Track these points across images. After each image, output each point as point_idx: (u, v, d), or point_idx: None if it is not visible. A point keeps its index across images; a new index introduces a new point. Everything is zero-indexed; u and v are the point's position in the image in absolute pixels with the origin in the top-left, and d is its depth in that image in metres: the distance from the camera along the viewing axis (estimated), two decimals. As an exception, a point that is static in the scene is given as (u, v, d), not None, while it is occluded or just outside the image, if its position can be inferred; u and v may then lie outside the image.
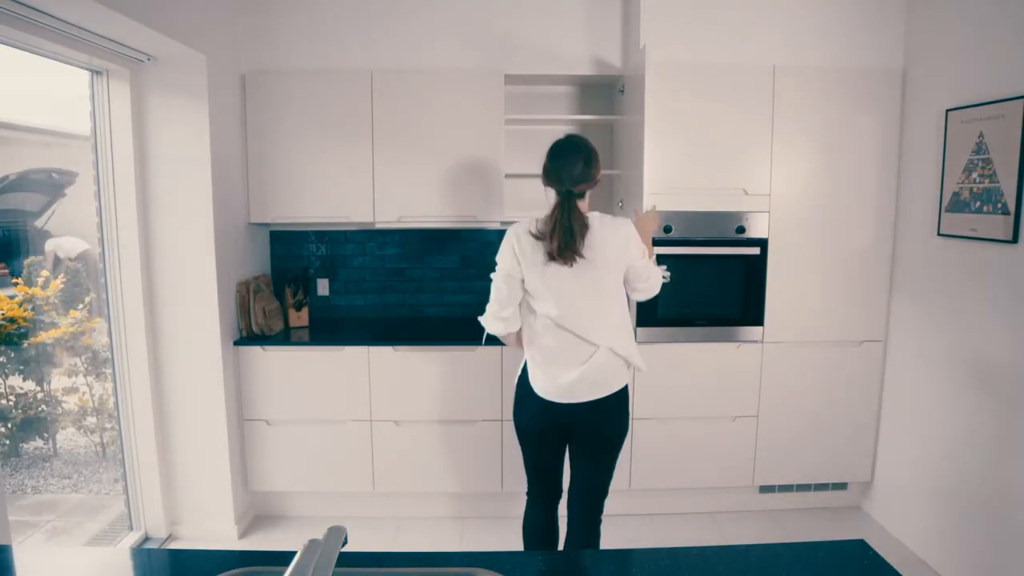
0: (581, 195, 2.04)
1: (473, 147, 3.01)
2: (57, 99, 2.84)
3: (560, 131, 3.35)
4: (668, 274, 2.82)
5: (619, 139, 3.19)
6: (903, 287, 2.97)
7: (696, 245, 2.96)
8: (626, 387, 2.10)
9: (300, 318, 3.23)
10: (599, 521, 2.20)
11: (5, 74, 2.48)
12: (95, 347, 3.01)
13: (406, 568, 1.18)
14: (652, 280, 2.16)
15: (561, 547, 2.29)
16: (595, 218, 2.05)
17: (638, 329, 3.00)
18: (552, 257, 1.99)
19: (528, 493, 2.29)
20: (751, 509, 3.22)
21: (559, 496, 2.29)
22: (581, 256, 1.97)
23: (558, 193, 2.04)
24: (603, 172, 3.17)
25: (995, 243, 2.39)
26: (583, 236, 1.98)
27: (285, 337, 3.03)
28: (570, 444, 2.17)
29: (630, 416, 2.20)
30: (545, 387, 2.07)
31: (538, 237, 2.03)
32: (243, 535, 3.02)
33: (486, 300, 3.65)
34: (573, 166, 2.02)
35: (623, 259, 2.05)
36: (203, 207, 2.74)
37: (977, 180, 2.47)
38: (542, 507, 2.26)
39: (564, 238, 1.96)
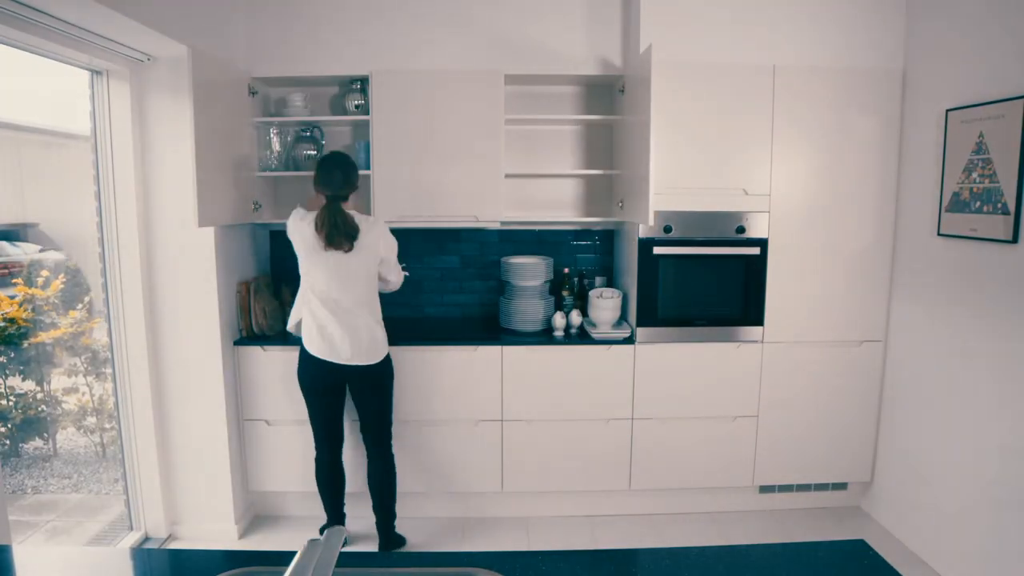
0: (344, 198, 2.58)
1: (473, 147, 3.01)
2: (57, 99, 2.84)
3: (560, 131, 3.38)
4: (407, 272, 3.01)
5: (619, 139, 3.19)
6: (903, 287, 2.97)
7: (696, 245, 2.96)
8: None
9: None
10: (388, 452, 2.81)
11: (5, 74, 2.48)
12: (95, 347, 3.01)
13: (406, 568, 1.18)
14: (397, 273, 2.78)
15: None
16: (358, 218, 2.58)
17: (638, 329, 3.00)
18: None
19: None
20: (751, 509, 3.22)
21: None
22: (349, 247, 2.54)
23: (327, 197, 2.55)
24: (603, 172, 3.19)
25: (995, 243, 2.39)
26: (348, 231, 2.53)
27: (285, 337, 3.03)
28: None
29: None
30: (322, 349, 2.59)
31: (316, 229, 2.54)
32: (243, 535, 3.02)
33: (486, 300, 3.66)
34: (333, 176, 2.54)
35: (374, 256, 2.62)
36: (203, 207, 2.73)
37: (977, 180, 2.47)
38: (328, 451, 2.78)
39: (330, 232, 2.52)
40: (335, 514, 2.83)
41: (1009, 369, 2.35)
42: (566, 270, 3.35)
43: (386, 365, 2.70)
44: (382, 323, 2.70)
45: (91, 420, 3.10)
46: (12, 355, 2.83)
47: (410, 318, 3.49)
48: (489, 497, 3.15)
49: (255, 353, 2.96)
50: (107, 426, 3.06)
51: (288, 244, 3.43)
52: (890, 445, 3.05)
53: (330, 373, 2.60)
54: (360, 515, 2.94)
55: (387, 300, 3.46)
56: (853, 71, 2.91)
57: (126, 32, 2.31)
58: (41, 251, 3.05)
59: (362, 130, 3.29)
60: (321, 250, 2.53)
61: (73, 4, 1.98)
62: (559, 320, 3.10)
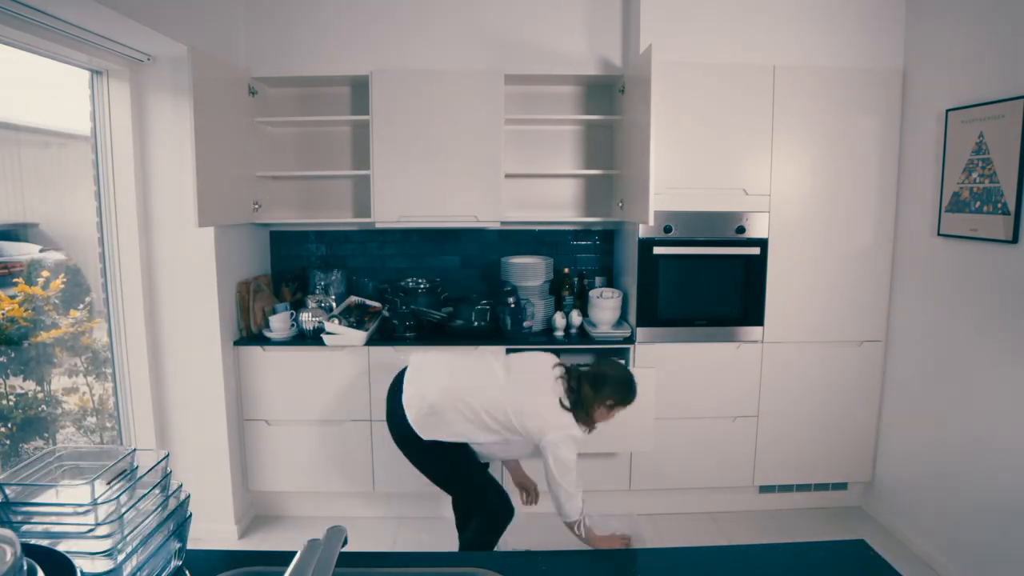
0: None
1: (473, 147, 3.01)
2: (57, 99, 2.84)
3: (560, 131, 3.37)
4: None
5: (619, 139, 3.19)
6: (903, 287, 2.97)
7: (696, 245, 2.96)
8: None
9: (300, 318, 3.23)
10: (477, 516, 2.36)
11: (5, 74, 2.48)
12: (95, 347, 3.01)
13: (406, 568, 1.18)
14: (562, 491, 2.21)
15: None
16: None
17: (638, 329, 3.00)
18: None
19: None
20: (751, 509, 3.22)
21: None
22: None
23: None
24: (603, 172, 3.19)
25: (995, 243, 2.39)
26: None
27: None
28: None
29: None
30: None
31: None
32: (243, 535, 3.02)
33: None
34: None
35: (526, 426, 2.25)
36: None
37: (977, 180, 2.47)
38: None
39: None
40: None
41: (1009, 369, 2.35)
42: (566, 270, 3.34)
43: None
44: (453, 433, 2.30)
45: (91, 420, 3.09)
46: (12, 355, 2.83)
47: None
48: (489, 497, 3.14)
49: (255, 353, 2.96)
50: (107, 426, 3.06)
51: (288, 242, 3.46)
52: (890, 445, 3.05)
53: None
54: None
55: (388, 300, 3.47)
56: (853, 71, 2.91)
57: (126, 32, 2.31)
58: (41, 251, 3.05)
59: (362, 130, 3.29)
60: None
61: (73, 4, 1.98)
62: (559, 320, 3.10)
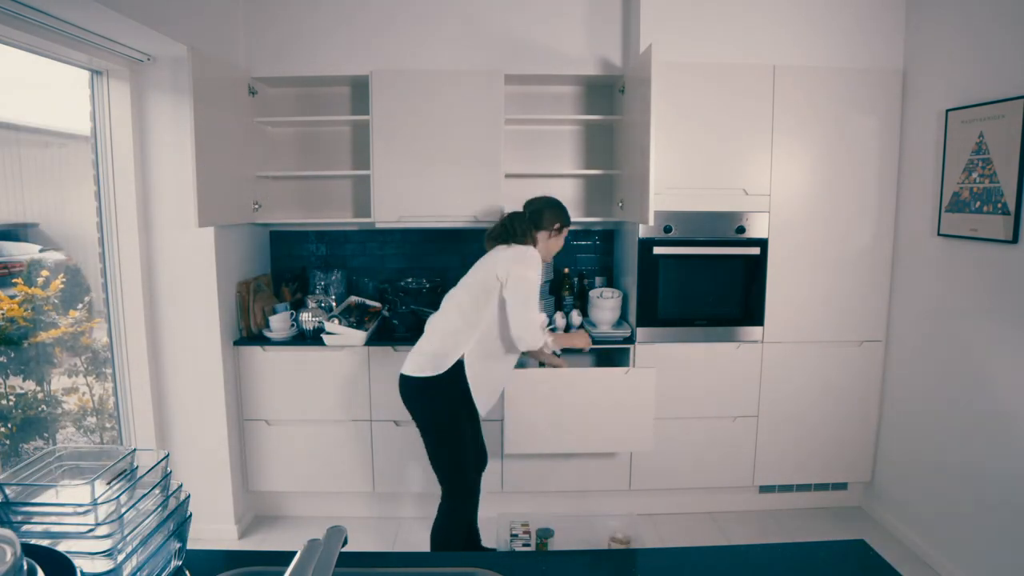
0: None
1: (473, 147, 3.01)
2: (57, 99, 2.84)
3: (560, 131, 3.37)
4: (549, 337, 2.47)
5: (619, 139, 3.19)
6: (903, 287, 2.97)
7: (696, 245, 2.96)
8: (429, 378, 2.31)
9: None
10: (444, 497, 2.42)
11: (5, 74, 2.48)
12: (95, 347, 3.01)
13: (406, 568, 1.18)
14: (516, 320, 2.29)
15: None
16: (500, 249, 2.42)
17: (638, 329, 3.00)
18: None
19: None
20: (751, 509, 3.22)
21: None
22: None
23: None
24: (603, 172, 3.19)
25: (995, 243, 2.39)
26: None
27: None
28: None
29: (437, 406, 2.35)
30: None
31: None
32: (243, 535, 3.02)
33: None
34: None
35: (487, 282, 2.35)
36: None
37: (977, 180, 2.47)
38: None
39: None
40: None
41: (1009, 369, 2.35)
42: (566, 270, 3.34)
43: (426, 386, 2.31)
44: (450, 356, 2.30)
45: (91, 420, 3.09)
46: (12, 355, 2.83)
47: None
48: (487, 497, 3.14)
49: (255, 353, 2.96)
50: (107, 426, 3.06)
51: (288, 242, 3.46)
52: (890, 445, 3.05)
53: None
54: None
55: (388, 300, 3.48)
56: (853, 71, 2.91)
57: (126, 32, 2.31)
58: (41, 251, 3.05)
59: (362, 130, 3.29)
60: None
61: (73, 4, 1.98)
62: (559, 320, 3.10)
